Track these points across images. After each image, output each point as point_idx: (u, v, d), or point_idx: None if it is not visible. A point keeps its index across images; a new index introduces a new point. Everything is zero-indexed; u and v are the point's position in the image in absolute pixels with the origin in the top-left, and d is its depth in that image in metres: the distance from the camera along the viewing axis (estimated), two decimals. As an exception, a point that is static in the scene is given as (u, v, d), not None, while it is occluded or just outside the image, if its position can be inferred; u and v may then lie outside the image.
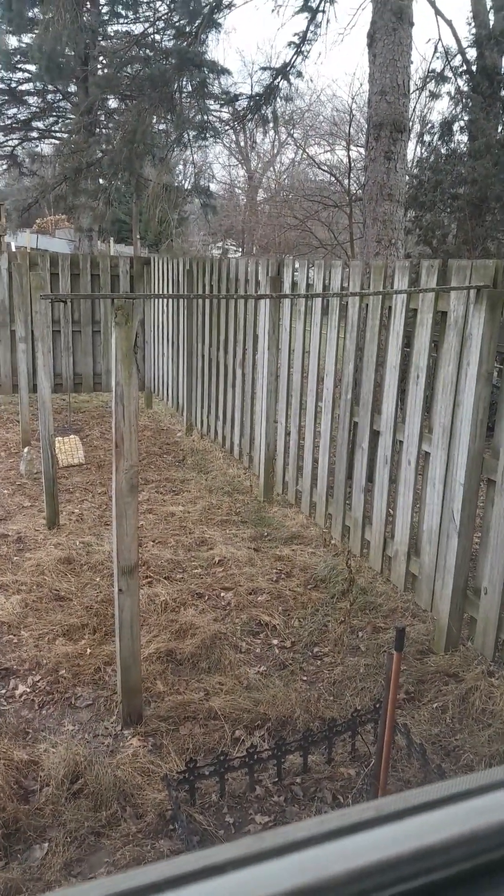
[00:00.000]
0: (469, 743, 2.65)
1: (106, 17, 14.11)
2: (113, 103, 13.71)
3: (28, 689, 2.98)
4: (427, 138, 10.12)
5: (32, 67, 13.34)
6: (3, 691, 2.98)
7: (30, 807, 2.33)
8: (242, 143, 24.46)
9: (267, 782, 2.47)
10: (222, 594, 3.81)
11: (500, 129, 9.07)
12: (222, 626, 3.45)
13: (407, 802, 0.34)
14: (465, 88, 9.58)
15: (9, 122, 15.22)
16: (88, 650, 3.22)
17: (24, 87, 14.94)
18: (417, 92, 10.68)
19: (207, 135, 10.48)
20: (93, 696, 2.94)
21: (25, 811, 2.30)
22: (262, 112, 8.82)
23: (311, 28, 7.65)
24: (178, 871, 0.34)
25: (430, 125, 10.26)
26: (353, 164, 15.71)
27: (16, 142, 15.67)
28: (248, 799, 2.40)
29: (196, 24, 8.28)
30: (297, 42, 7.81)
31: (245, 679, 3.04)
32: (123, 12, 14.10)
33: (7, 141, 15.60)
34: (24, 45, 13.29)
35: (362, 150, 13.86)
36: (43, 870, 2.11)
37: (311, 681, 3.09)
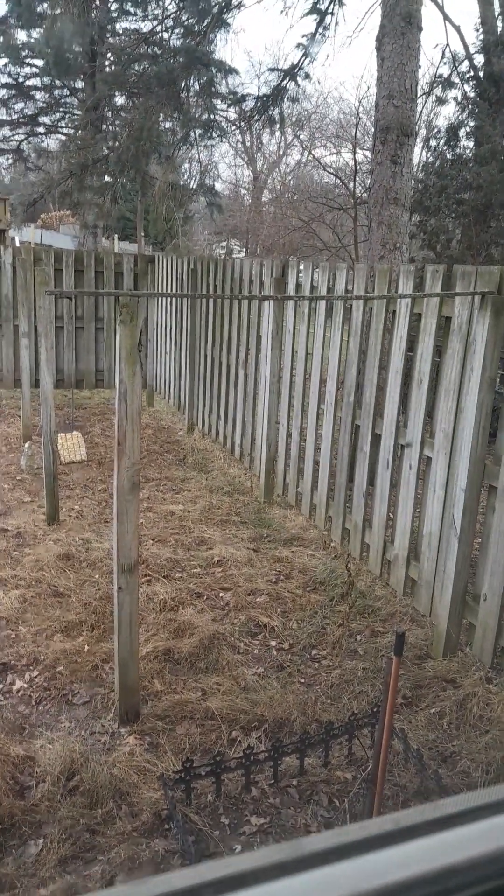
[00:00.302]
0: (466, 749, 2.65)
1: (114, 15, 14.10)
2: (120, 100, 13.71)
3: (25, 685, 2.98)
4: (433, 143, 10.15)
5: (40, 62, 13.35)
6: (1, 686, 2.98)
7: (25, 802, 2.32)
8: (248, 144, 24.47)
9: (263, 784, 2.47)
10: (221, 594, 3.81)
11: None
12: (221, 627, 3.45)
13: (426, 816, 0.34)
14: (472, 94, 9.59)
15: (16, 116, 15.22)
16: (86, 647, 3.22)
17: (32, 81, 14.95)
18: (424, 97, 10.69)
19: (214, 134, 10.50)
20: (90, 693, 2.94)
21: (21, 807, 2.30)
22: (269, 113, 8.83)
23: (320, 30, 7.66)
24: (195, 881, 0.34)
25: (436, 130, 10.29)
26: (358, 167, 15.73)
27: (22, 136, 15.68)
28: (244, 800, 2.40)
29: (205, 24, 8.29)
30: (306, 44, 7.82)
31: (243, 680, 3.04)
32: (132, 10, 14.10)
33: (14, 135, 15.61)
34: (32, 40, 13.30)
35: (368, 154, 13.86)
36: (37, 866, 2.11)
37: (309, 683, 3.09)
